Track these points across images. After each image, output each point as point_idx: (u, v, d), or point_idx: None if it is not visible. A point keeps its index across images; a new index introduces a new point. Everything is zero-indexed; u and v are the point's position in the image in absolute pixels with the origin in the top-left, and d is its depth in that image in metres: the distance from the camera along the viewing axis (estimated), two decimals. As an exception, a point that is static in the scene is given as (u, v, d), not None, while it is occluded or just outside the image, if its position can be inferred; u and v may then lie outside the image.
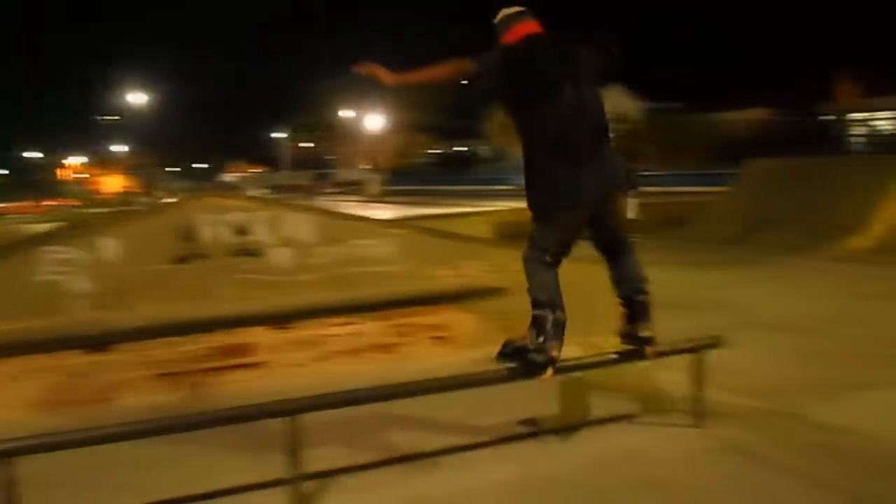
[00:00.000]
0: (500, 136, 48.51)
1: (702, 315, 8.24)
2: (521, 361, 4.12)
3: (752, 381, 5.83)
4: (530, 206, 4.12)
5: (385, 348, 6.13)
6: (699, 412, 4.63)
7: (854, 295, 9.61)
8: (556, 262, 4.15)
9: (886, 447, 4.52)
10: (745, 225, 15.59)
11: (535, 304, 4.17)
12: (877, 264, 11.66)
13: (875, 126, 37.55)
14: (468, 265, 6.69)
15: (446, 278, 6.56)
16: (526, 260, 4.21)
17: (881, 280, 10.47)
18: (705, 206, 18.38)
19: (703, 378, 4.63)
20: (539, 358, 4.05)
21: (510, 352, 4.20)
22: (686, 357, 4.68)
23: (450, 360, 5.71)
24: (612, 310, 6.91)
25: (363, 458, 4.15)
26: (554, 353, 4.07)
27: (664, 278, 11.14)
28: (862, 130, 33.29)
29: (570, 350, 5.74)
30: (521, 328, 6.52)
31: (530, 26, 4.18)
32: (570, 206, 3.99)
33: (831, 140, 21.20)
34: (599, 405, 4.97)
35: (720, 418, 4.76)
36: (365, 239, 6.49)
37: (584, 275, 7.17)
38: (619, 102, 35.12)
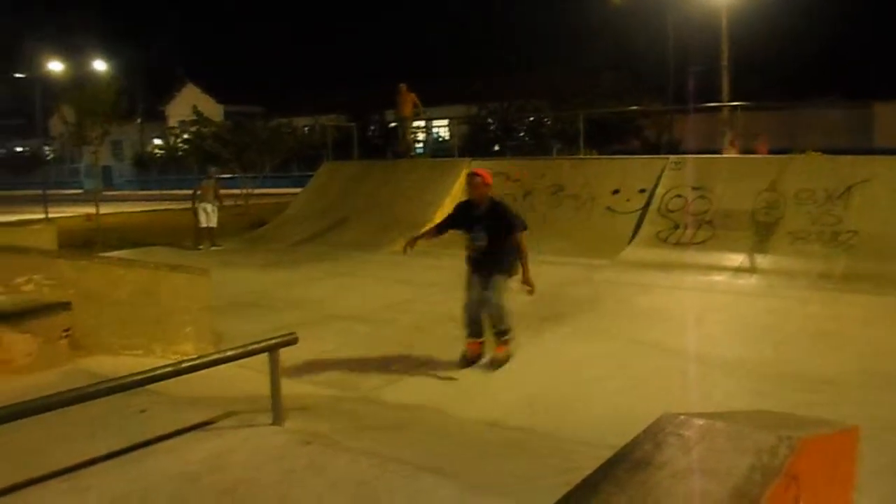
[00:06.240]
0: (68, 136, 44.49)
1: (280, 313, 8.45)
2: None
3: (329, 371, 6.14)
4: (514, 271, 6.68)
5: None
6: (278, 409, 4.71)
7: (416, 284, 10.60)
8: None
9: (444, 417, 5.07)
10: (320, 224, 16.29)
11: (509, 329, 6.72)
12: (436, 256, 12.97)
13: (434, 133, 41.83)
14: (24, 280, 6.04)
15: (-2, 296, 5.85)
16: (505, 308, 6.63)
17: (440, 269, 11.69)
18: (284, 207, 18.83)
19: (279, 375, 4.71)
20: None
21: (503, 361, 6.68)
22: (264, 356, 4.73)
23: (3, 388, 5.07)
24: (186, 315, 6.79)
25: None
26: None
27: (246, 280, 11.28)
28: (423, 136, 36.83)
29: (149, 359, 5.52)
30: (91, 343, 6.08)
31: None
32: None
33: (397, 144, 23.13)
34: (174, 415, 4.80)
35: (299, 412, 4.91)
36: None
37: (159, 282, 6.93)
38: (200, 107, 34.39)
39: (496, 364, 6.59)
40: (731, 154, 17.55)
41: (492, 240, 6.59)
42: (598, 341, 7.44)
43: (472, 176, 6.81)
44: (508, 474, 4.06)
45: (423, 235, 7.05)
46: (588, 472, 3.66)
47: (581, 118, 19.42)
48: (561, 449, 4.44)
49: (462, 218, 6.86)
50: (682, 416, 3.24)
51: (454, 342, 7.32)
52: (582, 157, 17.78)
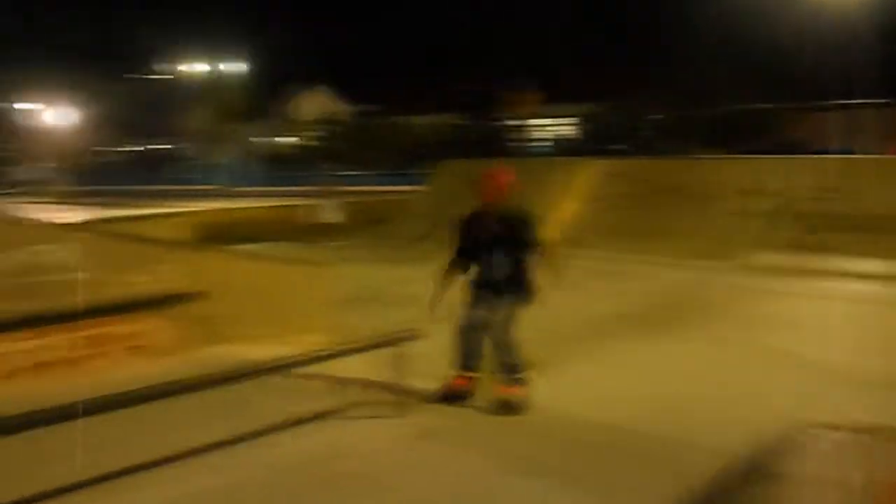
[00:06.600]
0: (201, 134, 46.80)
1: (401, 309, 8.59)
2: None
3: (444, 369, 6.22)
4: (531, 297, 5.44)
5: (73, 362, 5.66)
6: (399, 403, 4.85)
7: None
8: None
9: (561, 418, 5.07)
10: (437, 222, 16.48)
11: (520, 366, 5.30)
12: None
13: (555, 131, 41.58)
14: (164, 269, 6.41)
15: (140, 284, 6.23)
16: (512, 337, 5.29)
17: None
18: (402, 204, 19.15)
19: (402, 370, 4.85)
20: None
21: (517, 407, 5.14)
22: (386, 350, 4.88)
23: (146, 371, 5.42)
24: (310, 308, 7.04)
25: (44, 486, 3.81)
26: None
27: (367, 275, 11.55)
28: (542, 135, 36.69)
29: (277, 349, 5.76)
30: (223, 331, 6.39)
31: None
32: None
33: (513, 143, 23.13)
34: (303, 404, 5.01)
35: (419, 406, 5.03)
36: (46, 244, 5.97)
37: (285, 275, 7.23)
38: (324, 105, 35.52)
39: (507, 408, 5.13)
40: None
41: (517, 262, 5.40)
42: (719, 347, 7.24)
43: (488, 178, 5.46)
44: (625, 479, 4.03)
45: (443, 287, 5.61)
46: (707, 480, 3.61)
47: (706, 116, 18.88)
48: (680, 455, 4.36)
49: (474, 239, 5.45)
50: (809, 428, 3.15)
51: (571, 343, 7.30)
52: (707, 156, 17.32)
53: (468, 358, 5.35)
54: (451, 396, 5.27)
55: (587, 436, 4.76)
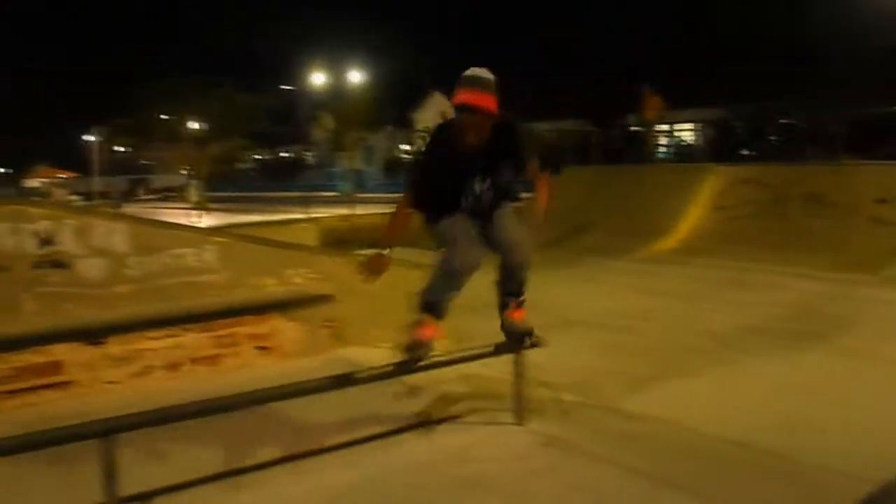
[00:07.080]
0: (326, 142, 48.23)
1: (522, 316, 8.58)
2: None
3: (569, 377, 6.15)
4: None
5: (207, 360, 5.94)
6: (520, 410, 4.82)
7: (659, 293, 10.34)
8: None
9: (687, 432, 4.92)
10: (560, 229, 16.34)
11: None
12: (681, 264, 12.58)
13: (678, 136, 40.50)
14: (293, 273, 6.62)
15: (271, 286, 6.45)
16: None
17: (686, 279, 11.33)
18: (523, 211, 19.08)
19: (524, 377, 4.82)
20: None
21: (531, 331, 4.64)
22: (506, 357, 4.86)
23: (275, 370, 5.62)
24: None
25: (183, 477, 4.01)
26: None
27: (486, 281, 11.52)
28: (667, 140, 35.82)
29: (393, 355, 5.85)
30: (348, 333, 6.54)
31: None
32: None
33: (639, 149, 22.68)
34: (423, 407, 5.06)
35: (540, 414, 4.99)
36: (184, 248, 6.26)
37: (407, 280, 7.31)
38: (445, 110, 35.88)
39: (528, 336, 4.65)
40: None
41: (498, 188, 4.65)
42: (858, 364, 6.84)
43: (464, 111, 4.33)
44: (756, 500, 3.87)
45: (394, 230, 4.84)
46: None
47: (841, 120, 17.99)
48: (815, 477, 4.16)
49: (446, 170, 4.43)
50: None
51: (698, 355, 7.09)
52: (841, 162, 16.48)
53: (447, 302, 4.60)
54: (417, 348, 4.44)
55: (717, 451, 4.60)
